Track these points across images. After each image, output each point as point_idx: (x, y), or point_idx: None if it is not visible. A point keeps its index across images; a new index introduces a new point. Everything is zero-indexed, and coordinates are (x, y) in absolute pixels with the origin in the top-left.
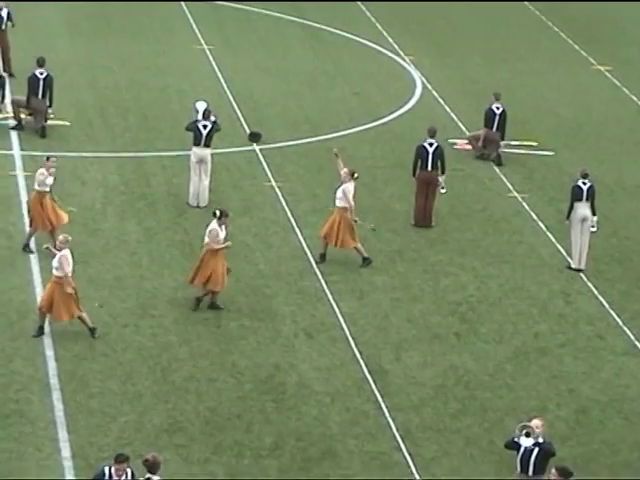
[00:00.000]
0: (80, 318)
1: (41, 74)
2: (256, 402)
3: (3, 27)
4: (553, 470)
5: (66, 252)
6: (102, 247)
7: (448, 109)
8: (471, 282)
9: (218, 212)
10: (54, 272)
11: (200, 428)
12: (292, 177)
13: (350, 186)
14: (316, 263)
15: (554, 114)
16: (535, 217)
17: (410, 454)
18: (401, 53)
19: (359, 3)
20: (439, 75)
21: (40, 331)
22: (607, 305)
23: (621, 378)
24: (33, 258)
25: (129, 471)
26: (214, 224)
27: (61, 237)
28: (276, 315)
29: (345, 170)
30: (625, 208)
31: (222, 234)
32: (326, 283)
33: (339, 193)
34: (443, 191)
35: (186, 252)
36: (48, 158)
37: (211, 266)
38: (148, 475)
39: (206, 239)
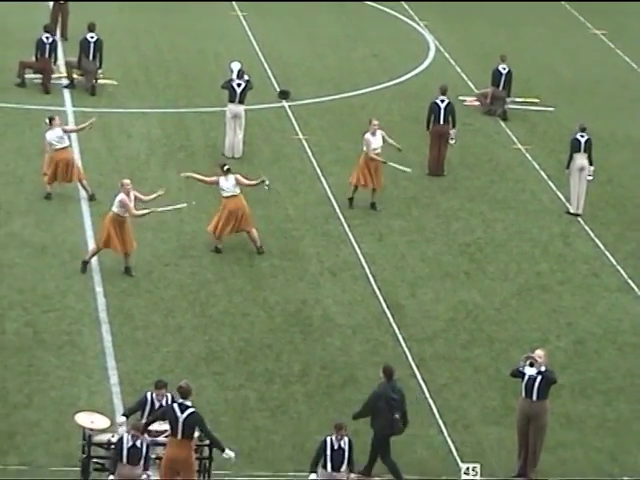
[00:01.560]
0: (126, 254)
1: (92, 38)
2: (285, 334)
3: None
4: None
5: (122, 196)
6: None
7: (458, 69)
8: (479, 226)
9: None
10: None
11: (234, 357)
12: (317, 131)
13: (369, 136)
14: (349, 205)
15: (554, 74)
16: (537, 167)
17: (424, 380)
18: (416, 18)
19: None
20: (450, 39)
21: (84, 267)
22: (602, 246)
23: (615, 312)
24: (84, 204)
25: (169, 395)
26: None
27: (125, 181)
28: (303, 255)
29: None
30: (619, 158)
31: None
32: (348, 226)
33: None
34: (453, 142)
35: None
36: (50, 120)
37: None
38: (181, 400)
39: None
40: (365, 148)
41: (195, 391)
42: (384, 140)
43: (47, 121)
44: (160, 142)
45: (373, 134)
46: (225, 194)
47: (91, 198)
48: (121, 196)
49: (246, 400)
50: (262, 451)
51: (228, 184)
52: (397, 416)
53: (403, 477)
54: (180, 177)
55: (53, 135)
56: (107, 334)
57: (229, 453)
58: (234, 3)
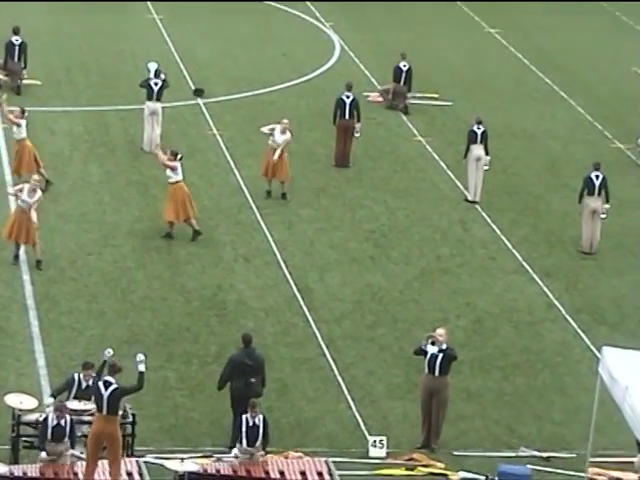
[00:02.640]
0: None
1: (16, 40)
2: (202, 317)
3: None
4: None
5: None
6: (69, 187)
7: (362, 67)
8: (383, 213)
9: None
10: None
11: (155, 340)
12: (230, 126)
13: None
14: (266, 196)
15: (452, 70)
16: (436, 157)
17: (333, 359)
18: (322, 20)
19: None
20: (355, 38)
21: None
22: (498, 231)
23: (510, 293)
24: (12, 199)
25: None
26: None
27: (36, 177)
28: (218, 243)
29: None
30: (513, 149)
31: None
32: (261, 215)
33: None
34: (357, 135)
35: (141, 190)
36: (23, 111)
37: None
38: (106, 378)
39: None
40: (270, 140)
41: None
42: (287, 143)
43: None
44: (82, 138)
45: (283, 132)
46: (173, 180)
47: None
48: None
49: (166, 380)
50: (181, 428)
51: (179, 171)
52: (253, 380)
53: (238, 436)
54: (100, 171)
55: None
56: (34, 320)
57: (139, 357)
58: (150, 6)
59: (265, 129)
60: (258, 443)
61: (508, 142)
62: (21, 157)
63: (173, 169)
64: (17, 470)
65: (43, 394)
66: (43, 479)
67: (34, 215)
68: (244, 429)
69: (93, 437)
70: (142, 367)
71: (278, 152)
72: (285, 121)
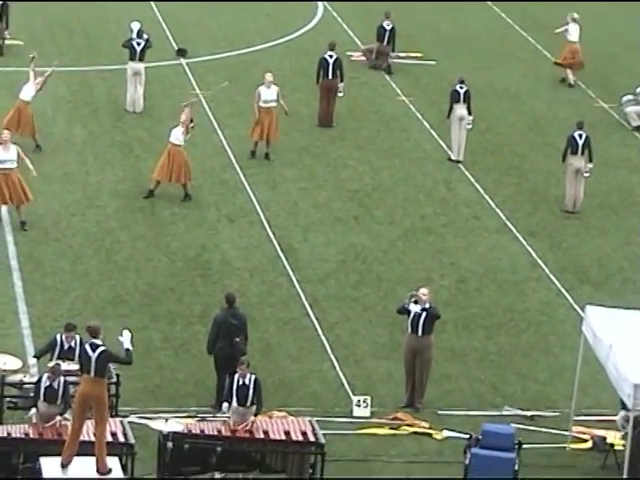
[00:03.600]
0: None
1: None
2: (186, 277)
3: None
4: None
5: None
6: (53, 148)
7: (345, 26)
8: (367, 173)
9: None
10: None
11: (139, 300)
12: (213, 86)
13: (261, 88)
14: (250, 157)
15: (435, 29)
16: (420, 117)
17: (317, 319)
18: None
19: None
20: None
21: None
22: (482, 191)
23: (494, 252)
24: None
25: (77, 337)
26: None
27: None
28: (202, 203)
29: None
30: (496, 108)
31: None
32: (244, 176)
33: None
34: (341, 94)
35: (125, 151)
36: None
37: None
38: (92, 340)
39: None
40: (256, 100)
41: (103, 332)
42: (278, 96)
43: None
44: (65, 99)
45: (268, 87)
46: (178, 143)
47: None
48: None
49: (150, 340)
50: (166, 388)
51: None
52: (237, 339)
53: (227, 396)
54: (84, 132)
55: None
56: (18, 280)
57: (125, 334)
58: None
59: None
60: (249, 402)
61: (491, 101)
62: (19, 117)
63: (185, 132)
64: (1, 431)
65: (27, 355)
66: (27, 439)
67: (28, 163)
68: (234, 388)
69: (79, 399)
70: (128, 344)
71: (283, 104)
72: (269, 76)
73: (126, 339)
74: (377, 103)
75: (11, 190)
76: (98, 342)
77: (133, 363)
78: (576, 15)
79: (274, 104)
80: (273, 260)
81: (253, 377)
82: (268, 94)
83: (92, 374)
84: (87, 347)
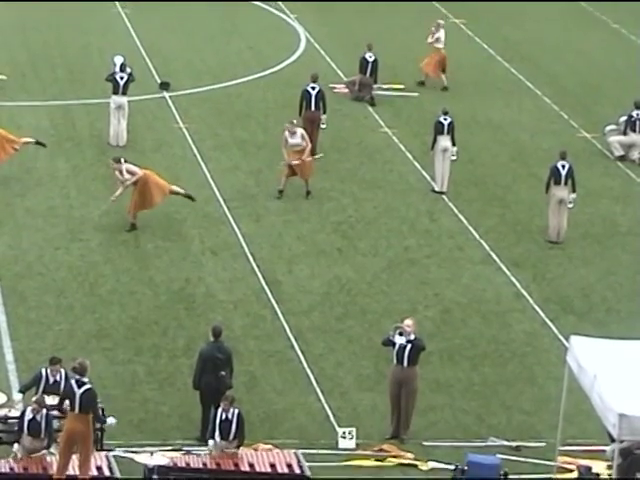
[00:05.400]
0: None
1: None
2: (170, 310)
3: None
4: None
5: None
6: (36, 182)
7: (328, 59)
8: (350, 205)
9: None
10: None
11: (123, 334)
12: (197, 119)
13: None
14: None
15: (417, 61)
16: (403, 149)
17: (302, 351)
18: (287, 12)
19: None
20: (320, 30)
21: None
22: (465, 221)
23: (478, 283)
24: None
25: (62, 371)
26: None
27: None
28: (186, 236)
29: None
30: (479, 139)
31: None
32: (228, 208)
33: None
34: (324, 126)
35: (108, 184)
36: None
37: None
38: (77, 377)
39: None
40: (283, 145)
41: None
42: (303, 138)
43: None
44: (48, 133)
45: (292, 134)
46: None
47: None
48: None
49: (135, 374)
50: (151, 421)
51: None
52: (223, 373)
53: (211, 430)
54: (67, 165)
55: None
56: (2, 315)
57: (110, 420)
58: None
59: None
60: (231, 437)
61: (474, 132)
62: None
63: (133, 174)
64: None
65: (12, 389)
66: (12, 475)
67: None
68: (217, 422)
69: (65, 435)
70: (110, 420)
71: (307, 151)
72: (294, 122)
73: (111, 422)
74: (360, 135)
75: None
76: (85, 380)
77: (117, 398)
78: (441, 21)
79: (300, 148)
80: (257, 292)
81: (237, 411)
82: (293, 139)
83: (77, 410)
84: (73, 383)
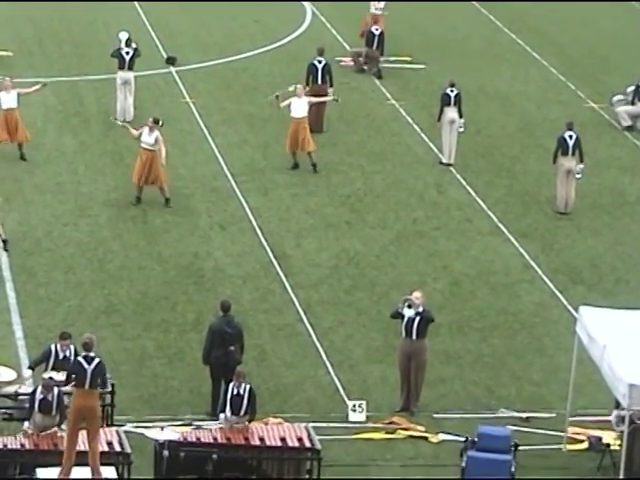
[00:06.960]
0: None
1: None
2: (179, 285)
3: None
4: None
5: None
6: (44, 158)
7: (334, 32)
8: (358, 178)
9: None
10: None
11: (132, 309)
12: (203, 94)
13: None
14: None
15: (424, 33)
16: (410, 121)
17: (311, 324)
18: None
19: None
20: (326, 4)
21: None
22: (473, 193)
23: (487, 254)
24: None
25: (72, 347)
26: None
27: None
28: (194, 211)
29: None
30: (486, 111)
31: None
32: (235, 182)
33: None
34: (330, 98)
35: (116, 160)
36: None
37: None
38: (85, 353)
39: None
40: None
41: (97, 342)
42: (309, 104)
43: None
44: (55, 109)
45: (299, 98)
46: (142, 146)
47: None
48: None
49: (144, 349)
50: (161, 396)
51: (149, 139)
52: (232, 348)
53: (222, 404)
54: (75, 141)
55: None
56: (11, 291)
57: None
58: None
59: (283, 104)
60: (242, 412)
61: (482, 104)
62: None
63: (157, 143)
64: None
65: (21, 366)
66: (24, 450)
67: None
68: (228, 397)
69: (74, 412)
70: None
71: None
72: (299, 86)
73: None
74: (367, 108)
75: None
76: (92, 355)
77: (127, 374)
78: None
79: (304, 115)
80: (266, 266)
81: (248, 387)
82: (298, 107)
83: (87, 386)
84: (81, 360)
